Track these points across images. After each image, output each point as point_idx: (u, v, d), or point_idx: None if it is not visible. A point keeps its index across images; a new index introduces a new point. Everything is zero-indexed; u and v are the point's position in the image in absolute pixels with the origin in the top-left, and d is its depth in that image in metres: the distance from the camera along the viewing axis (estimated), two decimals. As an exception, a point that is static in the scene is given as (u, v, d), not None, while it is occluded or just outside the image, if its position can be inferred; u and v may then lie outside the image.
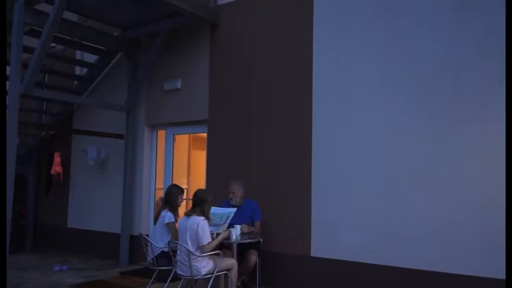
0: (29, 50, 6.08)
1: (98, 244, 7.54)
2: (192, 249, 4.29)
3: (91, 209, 7.77)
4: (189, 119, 6.73)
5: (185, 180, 7.76)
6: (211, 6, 6.39)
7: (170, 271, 4.82)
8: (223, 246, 4.92)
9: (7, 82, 5.67)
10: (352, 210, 5.04)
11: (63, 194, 8.20)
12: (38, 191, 8.57)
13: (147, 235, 5.37)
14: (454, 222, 4.40)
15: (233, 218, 4.98)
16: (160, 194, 6.88)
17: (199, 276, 4.36)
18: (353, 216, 5.02)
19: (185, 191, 5.73)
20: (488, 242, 4.18)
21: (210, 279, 4.41)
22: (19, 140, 6.86)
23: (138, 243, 6.15)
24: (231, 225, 4.88)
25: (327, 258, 5.15)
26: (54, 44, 7.24)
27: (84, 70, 7.83)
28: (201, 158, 7.07)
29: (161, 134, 7.29)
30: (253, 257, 5.05)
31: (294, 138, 5.56)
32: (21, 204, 8.25)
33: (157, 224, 5.18)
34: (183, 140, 7.77)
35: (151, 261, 4.97)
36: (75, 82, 7.95)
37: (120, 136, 7.15)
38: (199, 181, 6.91)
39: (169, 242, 4.87)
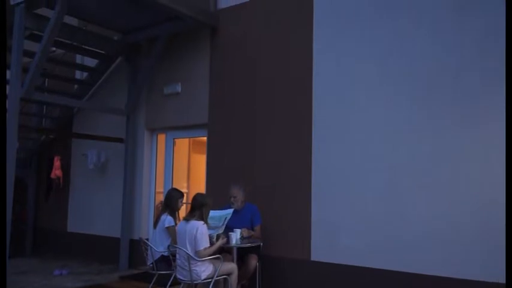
0: (29, 54, 6.10)
1: (97, 248, 7.53)
2: (191, 254, 4.29)
3: (91, 213, 7.76)
4: (189, 123, 6.74)
5: (185, 184, 7.75)
6: (211, 10, 6.41)
7: (170, 275, 4.81)
8: (223, 251, 4.91)
9: (7, 86, 5.68)
10: (352, 211, 5.03)
11: (63, 198, 8.19)
12: (37, 195, 8.56)
13: (147, 239, 5.37)
14: (454, 222, 4.39)
15: (233, 222, 4.98)
16: (160, 198, 6.88)
17: (199, 281, 4.35)
18: (353, 218, 5.01)
19: (185, 195, 5.73)
20: (488, 242, 4.17)
21: (209, 284, 4.40)
22: (19, 144, 6.87)
23: (138, 247, 6.14)
24: (231, 229, 4.88)
25: (328, 263, 5.13)
26: (54, 48, 7.25)
27: (84, 74, 7.84)
28: (201, 161, 7.07)
29: (161, 137, 7.29)
30: (253, 261, 5.04)
31: (294, 139, 5.55)
32: (21, 207, 8.23)
33: (157, 228, 5.18)
34: (183, 144, 7.77)
35: (151, 265, 4.96)
36: (76, 86, 7.95)
37: (120, 140, 7.15)
38: (199, 185, 6.91)
39: (169, 246, 4.87)
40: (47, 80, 8.20)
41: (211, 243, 4.48)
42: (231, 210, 5.03)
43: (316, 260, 5.23)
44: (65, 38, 6.64)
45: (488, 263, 4.15)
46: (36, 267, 7.02)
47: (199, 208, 4.46)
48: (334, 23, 5.40)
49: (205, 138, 6.63)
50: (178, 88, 6.79)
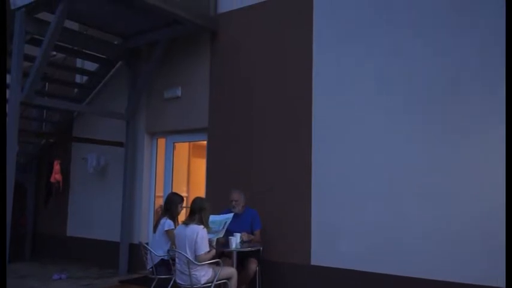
0: (29, 58, 6.11)
1: (97, 252, 7.52)
2: (191, 258, 4.28)
3: (90, 217, 7.75)
4: (189, 127, 6.74)
5: (185, 188, 7.75)
6: (211, 14, 6.43)
7: (169, 280, 4.80)
8: (223, 255, 4.90)
9: (7, 90, 5.69)
10: (352, 215, 5.03)
11: (62, 202, 8.18)
12: (37, 199, 8.55)
13: (147, 243, 5.36)
14: (454, 225, 4.40)
15: (233, 226, 4.98)
16: (160, 202, 6.87)
17: (199, 285, 4.34)
18: (353, 223, 5.01)
19: (185, 199, 5.73)
20: (488, 247, 4.17)
21: (209, 288, 4.39)
22: (19, 148, 6.87)
23: (137, 251, 6.13)
24: (231, 234, 4.87)
25: (327, 267, 5.13)
26: (55, 53, 7.27)
27: (85, 78, 7.86)
28: (200, 166, 7.08)
29: (161, 142, 7.30)
30: (253, 266, 5.04)
31: (294, 141, 5.56)
32: (21, 212, 8.22)
33: (157, 231, 5.17)
34: (183, 148, 7.78)
35: (151, 269, 4.95)
36: (76, 90, 7.97)
37: (120, 144, 7.16)
38: (199, 189, 6.91)
39: (168, 250, 4.86)
40: (47, 84, 8.21)
41: (211, 247, 4.47)
42: (231, 215, 5.03)
43: (316, 264, 5.22)
44: (66, 42, 6.66)
45: (489, 267, 4.14)
46: (35, 272, 7.00)
47: (198, 212, 4.45)
48: (334, 23, 5.43)
49: (205, 142, 6.63)
50: (179, 92, 6.80)
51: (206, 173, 6.48)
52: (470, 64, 4.49)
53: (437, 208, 4.52)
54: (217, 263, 4.42)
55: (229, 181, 5.94)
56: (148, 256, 4.97)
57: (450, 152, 4.51)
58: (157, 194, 7.21)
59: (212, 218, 4.75)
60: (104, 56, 7.27)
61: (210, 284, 4.36)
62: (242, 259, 5.04)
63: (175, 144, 7.21)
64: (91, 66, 7.62)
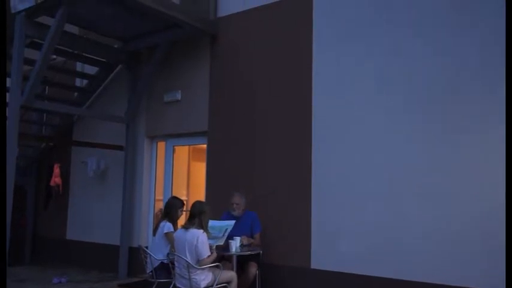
0: (29, 62, 6.12)
1: (97, 256, 7.50)
2: (192, 263, 4.27)
3: (90, 220, 7.73)
4: (189, 130, 6.74)
5: (185, 192, 7.75)
6: (211, 18, 6.44)
7: (169, 283, 4.79)
8: (223, 258, 4.89)
9: (7, 94, 5.69)
10: (352, 215, 5.02)
11: (62, 205, 8.17)
12: (37, 203, 8.54)
13: (146, 247, 5.35)
14: (454, 228, 4.39)
15: (233, 229, 4.97)
16: (160, 205, 6.87)
17: (199, 289, 4.32)
18: (353, 223, 5.00)
19: (184, 202, 5.72)
20: (488, 250, 4.16)
21: (209, 292, 4.38)
22: (19, 151, 6.87)
23: (137, 255, 6.12)
24: (230, 237, 4.86)
25: (327, 271, 5.11)
26: (55, 56, 7.28)
27: (85, 82, 7.86)
28: (200, 169, 7.07)
29: (161, 145, 7.29)
30: (253, 269, 5.03)
31: (294, 141, 5.55)
32: (20, 213, 8.20)
33: (157, 235, 5.17)
34: (182, 152, 7.77)
35: (151, 273, 4.94)
36: (76, 94, 7.97)
37: (120, 147, 7.15)
38: (199, 193, 6.90)
39: (168, 253, 4.85)
40: (47, 87, 8.22)
41: (212, 251, 4.46)
42: (232, 222, 5.01)
43: (316, 268, 5.20)
44: (66, 46, 6.67)
45: (489, 267, 4.13)
46: (35, 276, 6.98)
47: (198, 216, 4.44)
48: (333, 23, 5.43)
49: (205, 145, 6.63)
50: (178, 96, 6.80)
51: (206, 177, 6.47)
52: (470, 64, 4.49)
53: (437, 208, 4.51)
54: (217, 267, 4.41)
55: (229, 185, 5.93)
56: (148, 260, 4.96)
57: (450, 152, 4.51)
58: (157, 198, 7.20)
59: (212, 223, 4.72)
60: (104, 60, 7.28)
61: (209, 288, 4.36)
62: (242, 263, 5.02)
63: (175, 147, 7.20)
64: (91, 69, 7.63)
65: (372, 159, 4.96)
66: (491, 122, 4.28)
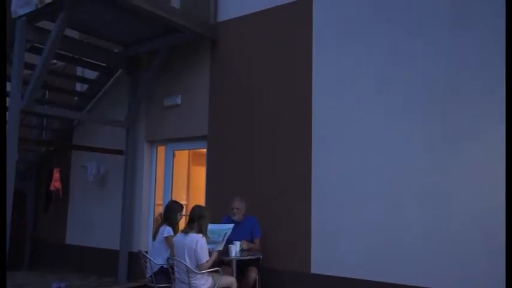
0: (30, 66, 6.12)
1: (96, 261, 7.47)
2: (191, 267, 4.25)
3: (90, 225, 7.71)
4: (189, 135, 6.74)
5: (184, 196, 7.73)
6: (211, 23, 6.45)
7: (169, 288, 4.77)
8: (223, 263, 4.87)
9: (7, 98, 5.70)
10: (352, 215, 5.00)
11: (62, 209, 8.16)
12: (37, 207, 8.52)
13: (146, 252, 5.33)
14: (454, 228, 4.37)
15: (233, 234, 4.93)
16: (160, 210, 6.85)
17: (198, 294, 4.30)
18: (353, 223, 4.98)
19: (184, 206, 5.71)
20: (488, 249, 4.14)
21: (209, 297, 4.36)
22: (19, 156, 6.86)
23: (137, 260, 6.09)
24: (230, 242, 4.84)
25: (328, 275, 5.07)
26: (55, 61, 7.29)
27: (85, 86, 7.87)
28: (200, 173, 7.05)
29: (161, 149, 7.28)
30: (253, 274, 5.00)
31: (294, 142, 5.54)
32: (20, 215, 8.17)
33: (156, 239, 5.15)
34: (182, 156, 7.76)
35: (150, 278, 4.92)
36: (76, 98, 7.98)
37: (120, 152, 7.15)
38: (199, 197, 6.88)
39: (168, 258, 4.83)
40: (47, 92, 8.23)
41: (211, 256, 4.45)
42: (231, 226, 4.98)
43: (316, 272, 5.18)
44: (66, 51, 6.67)
45: (489, 267, 4.11)
46: (33, 280, 6.95)
47: (197, 220, 4.43)
48: (333, 23, 5.44)
49: (204, 150, 6.62)
50: (178, 100, 6.80)
51: (206, 181, 6.46)
52: (470, 64, 4.48)
53: (437, 208, 4.49)
54: (217, 272, 4.39)
55: (229, 189, 5.92)
56: (148, 264, 4.94)
57: (450, 152, 4.49)
58: (157, 202, 7.18)
59: (211, 227, 4.70)
60: (104, 64, 7.29)
61: (209, 293, 4.34)
62: (242, 268, 5.00)
63: (175, 152, 7.20)
64: (91, 74, 7.64)
65: (372, 159, 4.95)
66: (491, 122, 4.27)
